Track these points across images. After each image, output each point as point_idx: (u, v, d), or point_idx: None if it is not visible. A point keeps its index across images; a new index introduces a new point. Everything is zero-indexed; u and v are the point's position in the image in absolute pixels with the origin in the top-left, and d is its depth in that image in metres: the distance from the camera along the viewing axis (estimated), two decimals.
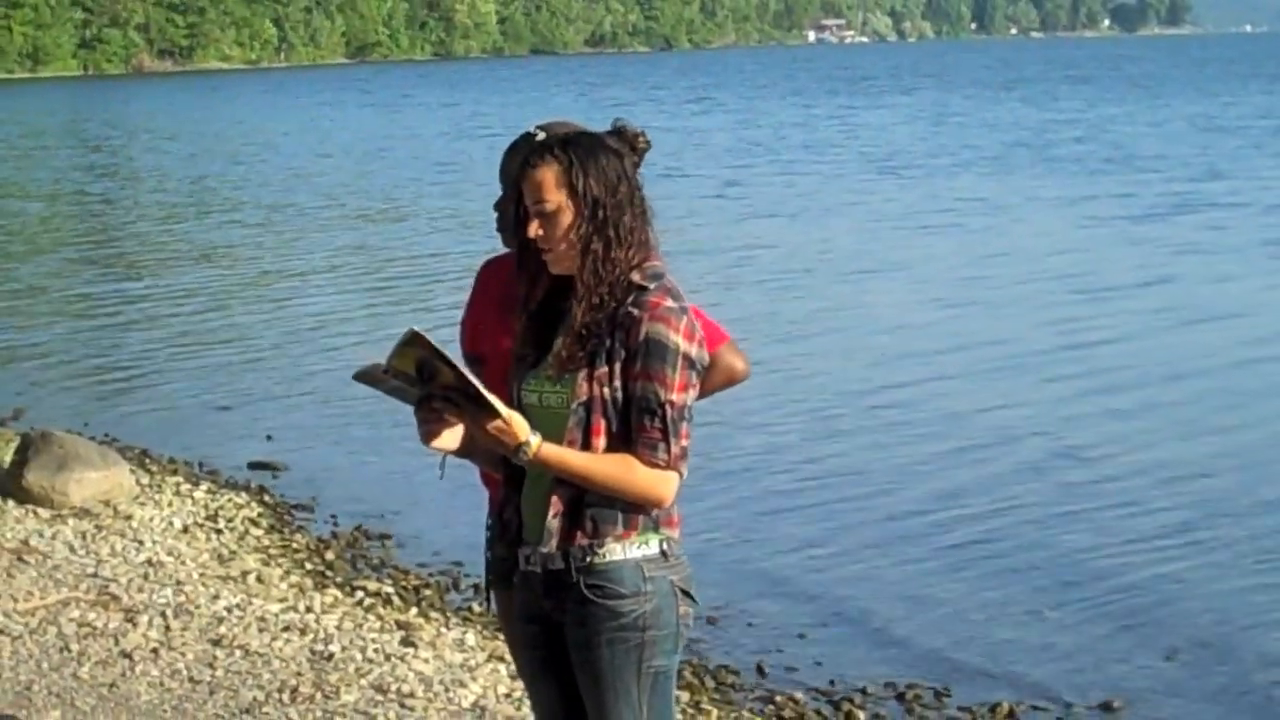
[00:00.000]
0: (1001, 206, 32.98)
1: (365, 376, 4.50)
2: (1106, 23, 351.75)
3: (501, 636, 9.20)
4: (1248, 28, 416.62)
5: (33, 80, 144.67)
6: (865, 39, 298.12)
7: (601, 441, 4.47)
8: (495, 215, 5.28)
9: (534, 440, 4.43)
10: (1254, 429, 14.64)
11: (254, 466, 14.00)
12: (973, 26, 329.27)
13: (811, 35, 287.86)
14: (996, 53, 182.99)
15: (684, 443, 4.48)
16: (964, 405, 15.57)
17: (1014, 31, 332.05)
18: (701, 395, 4.63)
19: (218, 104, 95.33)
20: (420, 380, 4.42)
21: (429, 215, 34.53)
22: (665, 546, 4.56)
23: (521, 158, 4.60)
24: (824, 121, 64.87)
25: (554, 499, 4.51)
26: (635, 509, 4.50)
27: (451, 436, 4.50)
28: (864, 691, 9.06)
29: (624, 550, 4.51)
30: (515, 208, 4.62)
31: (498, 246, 5.30)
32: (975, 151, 46.87)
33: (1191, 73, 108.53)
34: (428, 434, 4.48)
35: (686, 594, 4.61)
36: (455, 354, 4.54)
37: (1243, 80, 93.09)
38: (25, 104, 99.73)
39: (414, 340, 4.33)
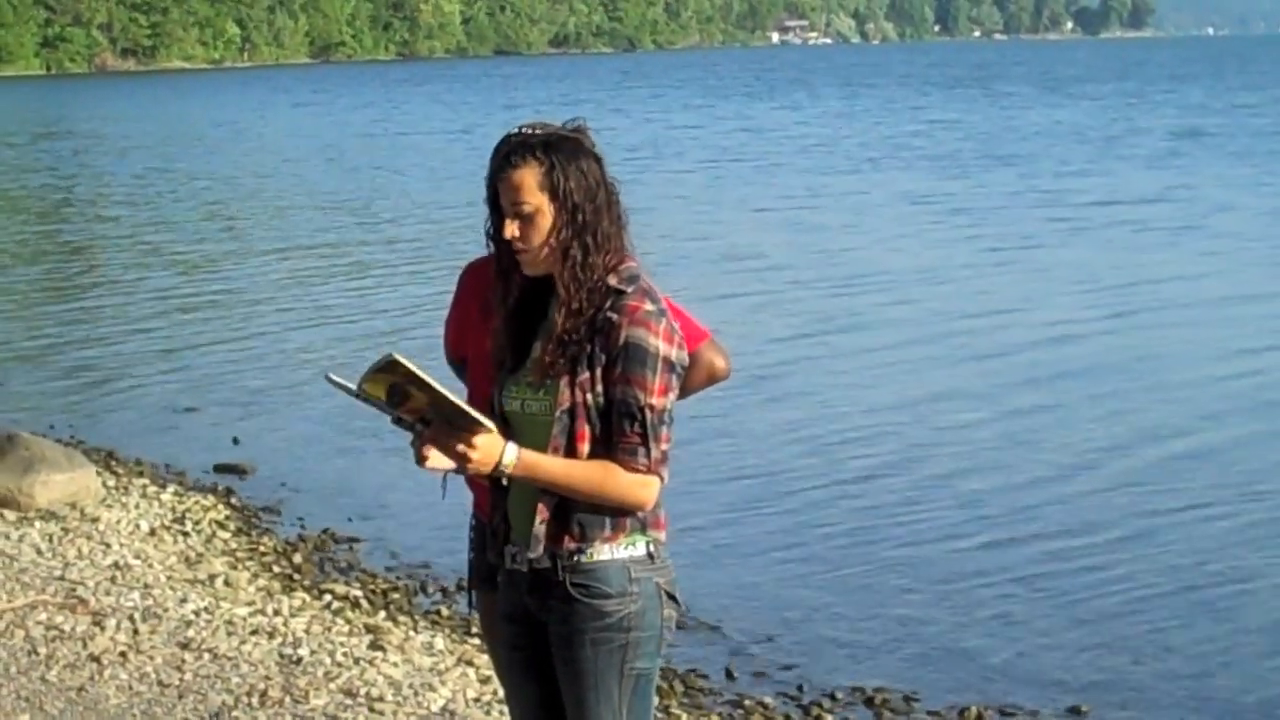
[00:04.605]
0: (833, 199, 35.27)
1: (337, 384, 4.47)
2: (1070, 25, 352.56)
3: (472, 639, 9.23)
4: (1210, 30, 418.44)
5: None
6: (829, 40, 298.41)
7: (586, 448, 4.46)
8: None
9: (513, 450, 4.42)
10: (1225, 428, 14.72)
11: (220, 469, 13.97)
12: (936, 28, 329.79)
13: (775, 36, 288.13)
14: (942, 54, 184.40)
15: (664, 446, 4.47)
16: (930, 411, 15.63)
17: (977, 34, 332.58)
18: (684, 394, 4.64)
19: (175, 101, 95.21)
20: (389, 405, 4.40)
21: (394, 214, 34.55)
22: (652, 548, 4.56)
23: (500, 158, 4.54)
24: (724, 121, 66.32)
25: (540, 505, 4.50)
26: (621, 511, 4.50)
27: (446, 454, 4.47)
28: (833, 696, 9.08)
29: (611, 551, 4.51)
30: (491, 208, 4.60)
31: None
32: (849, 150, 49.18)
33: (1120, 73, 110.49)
34: (420, 456, 4.46)
35: (671, 597, 4.61)
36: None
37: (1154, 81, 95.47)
38: None
39: (391, 367, 4.30)
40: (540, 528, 4.50)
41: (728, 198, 36.13)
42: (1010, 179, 38.74)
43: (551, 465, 4.44)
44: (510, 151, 4.49)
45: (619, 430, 4.44)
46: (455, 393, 4.42)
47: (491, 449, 4.39)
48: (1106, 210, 31.84)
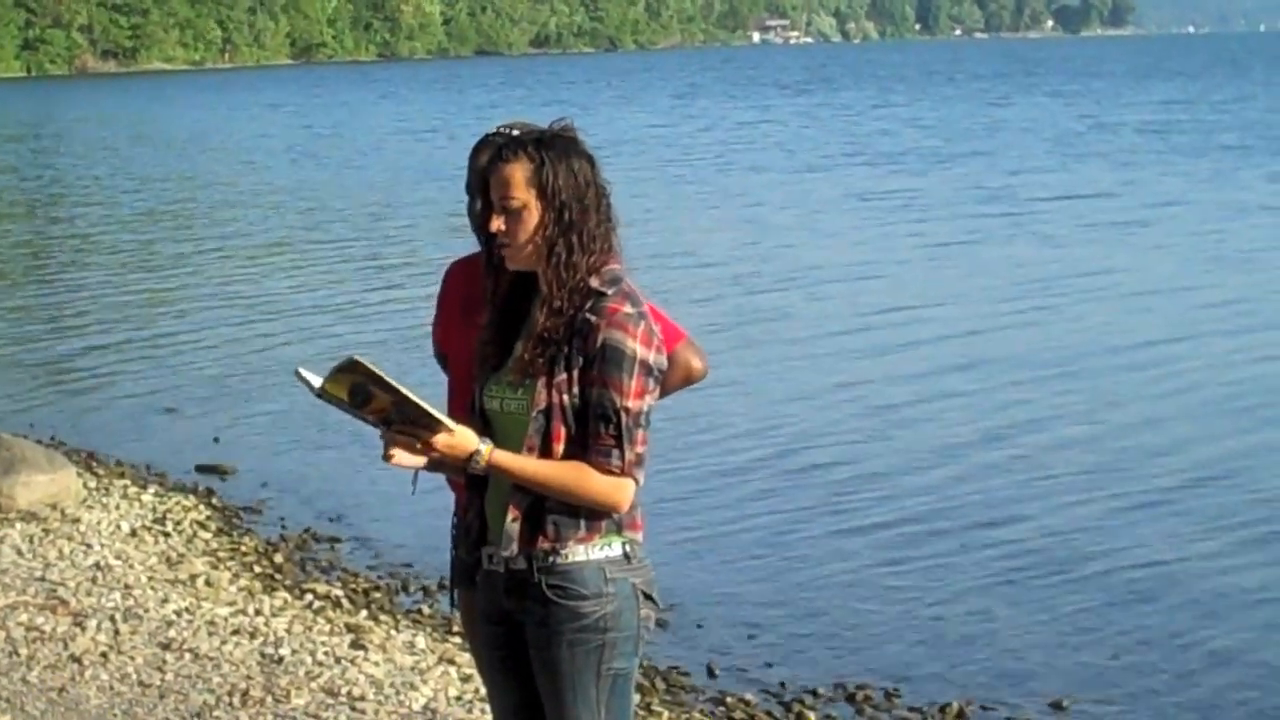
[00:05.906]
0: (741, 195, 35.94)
1: (304, 380, 4.49)
2: (1050, 23, 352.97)
3: (453, 638, 9.22)
4: (1190, 28, 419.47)
5: None
6: (810, 40, 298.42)
7: (561, 448, 4.46)
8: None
9: (484, 449, 4.44)
10: (1201, 422, 14.75)
11: (201, 469, 13.94)
12: (917, 27, 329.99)
13: (756, 36, 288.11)
14: (916, 54, 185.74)
15: (639, 449, 4.47)
16: (904, 407, 15.64)
17: (958, 32, 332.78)
18: (661, 394, 4.63)
19: (155, 103, 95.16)
20: (352, 406, 4.41)
21: (371, 211, 34.58)
22: (628, 549, 4.56)
23: (493, 152, 4.57)
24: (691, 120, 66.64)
25: (511, 505, 4.51)
26: (596, 513, 4.50)
27: (412, 454, 4.49)
28: (815, 693, 9.08)
29: (587, 552, 4.51)
30: (481, 201, 4.60)
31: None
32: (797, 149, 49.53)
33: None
34: (387, 453, 4.47)
35: (648, 597, 4.61)
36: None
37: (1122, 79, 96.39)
38: None
39: (353, 368, 4.32)
40: (512, 525, 4.51)
41: (685, 196, 36.39)
42: (961, 176, 39.03)
43: (523, 464, 4.45)
44: (503, 146, 4.52)
45: (594, 432, 4.45)
46: (428, 398, 4.42)
47: (460, 446, 4.41)
48: (1052, 205, 32.23)
